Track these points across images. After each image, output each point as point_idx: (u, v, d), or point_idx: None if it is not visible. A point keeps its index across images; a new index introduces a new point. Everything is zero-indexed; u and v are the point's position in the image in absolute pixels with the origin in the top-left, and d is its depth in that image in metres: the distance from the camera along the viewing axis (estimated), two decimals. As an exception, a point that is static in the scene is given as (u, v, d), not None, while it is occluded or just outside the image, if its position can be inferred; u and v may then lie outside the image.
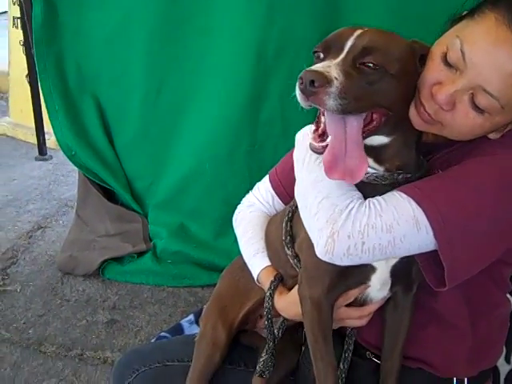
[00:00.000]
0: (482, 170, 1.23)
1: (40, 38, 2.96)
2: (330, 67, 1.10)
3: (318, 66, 1.10)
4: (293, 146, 1.71)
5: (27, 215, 3.63)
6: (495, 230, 1.25)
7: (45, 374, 2.45)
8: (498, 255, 1.31)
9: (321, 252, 1.22)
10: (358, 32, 1.17)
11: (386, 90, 1.18)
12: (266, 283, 1.56)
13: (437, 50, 1.25)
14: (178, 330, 2.49)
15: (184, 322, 2.55)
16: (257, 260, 1.61)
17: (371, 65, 1.14)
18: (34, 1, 2.92)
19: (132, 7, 2.80)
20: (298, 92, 1.12)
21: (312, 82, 1.07)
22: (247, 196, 1.82)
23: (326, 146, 1.16)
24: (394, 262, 1.32)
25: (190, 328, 2.49)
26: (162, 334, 2.45)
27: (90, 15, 2.89)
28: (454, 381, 1.49)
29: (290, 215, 1.51)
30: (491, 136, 1.29)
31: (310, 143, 1.20)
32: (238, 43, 2.65)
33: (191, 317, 2.57)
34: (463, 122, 1.23)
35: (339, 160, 1.15)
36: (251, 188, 1.81)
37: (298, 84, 1.10)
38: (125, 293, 2.94)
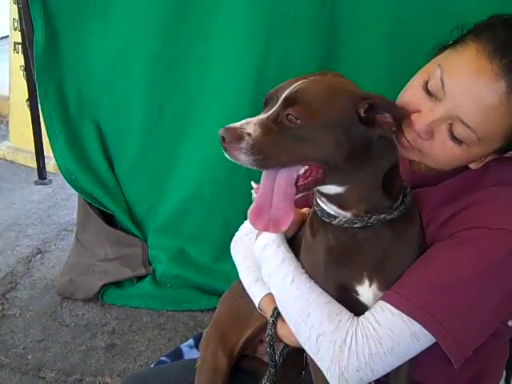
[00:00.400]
0: (467, 262, 1.21)
1: (41, 64, 3.00)
2: (249, 123, 1.11)
3: (236, 124, 1.12)
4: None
5: (26, 240, 3.63)
6: (493, 312, 1.26)
7: (44, 400, 2.44)
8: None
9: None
10: (299, 82, 1.16)
11: (314, 144, 1.13)
12: (267, 310, 1.55)
13: (419, 78, 1.27)
14: (177, 354, 2.49)
15: (184, 347, 2.54)
16: (257, 287, 1.59)
17: (292, 118, 1.11)
18: (35, 27, 2.97)
19: (133, 34, 2.84)
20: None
21: (223, 138, 1.10)
22: (245, 223, 1.82)
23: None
24: None
25: (190, 352, 2.49)
26: (162, 358, 2.45)
27: (91, 42, 2.93)
28: None
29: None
30: (472, 166, 1.30)
31: (252, 183, 1.22)
32: (238, 68, 2.68)
33: (191, 341, 2.57)
34: (441, 152, 1.25)
35: (264, 210, 1.15)
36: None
37: None
38: (124, 317, 2.93)
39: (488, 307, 1.24)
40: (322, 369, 1.27)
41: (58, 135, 3.09)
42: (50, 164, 4.33)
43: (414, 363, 1.36)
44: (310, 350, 1.29)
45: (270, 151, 1.10)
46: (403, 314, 1.20)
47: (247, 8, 2.55)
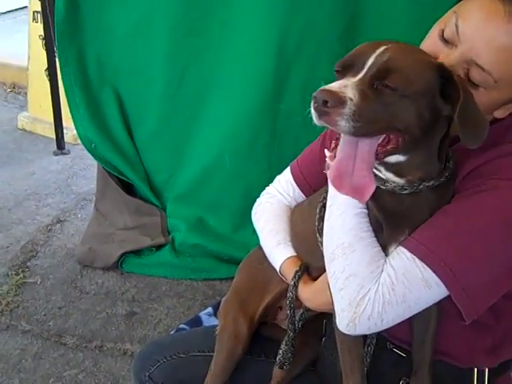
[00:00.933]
0: (485, 210, 1.20)
1: (62, 32, 2.98)
2: (347, 87, 1.05)
3: (333, 85, 1.05)
4: (313, 138, 1.71)
5: (46, 209, 3.65)
6: (507, 266, 1.24)
7: (66, 365, 2.48)
8: None
9: (343, 329, 1.27)
10: (381, 49, 1.11)
11: (403, 113, 1.12)
12: (289, 274, 1.55)
13: (436, 27, 1.27)
14: (196, 322, 2.51)
15: (202, 315, 2.56)
16: (279, 251, 1.60)
17: (389, 86, 1.09)
18: (56, -6, 2.94)
19: (153, 1, 2.82)
20: (312, 110, 1.06)
21: (325, 102, 1.02)
22: (267, 189, 1.81)
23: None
24: None
25: (209, 320, 2.50)
26: (181, 326, 2.46)
27: (111, 9, 2.91)
28: (475, 371, 1.48)
29: (324, 201, 1.45)
30: (497, 114, 1.30)
31: (326, 150, 1.17)
32: (259, 36, 2.66)
33: (209, 309, 2.58)
34: None
35: (345, 176, 1.12)
36: (271, 180, 1.81)
37: (312, 102, 1.05)
38: (143, 285, 2.96)
39: (503, 259, 1.22)
40: (336, 308, 1.27)
41: (79, 103, 3.09)
42: (69, 134, 4.34)
43: (438, 333, 1.36)
44: (335, 285, 1.27)
45: (369, 118, 1.06)
46: (416, 258, 1.20)
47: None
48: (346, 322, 1.24)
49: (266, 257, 1.65)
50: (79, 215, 3.60)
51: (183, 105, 2.98)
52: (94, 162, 3.35)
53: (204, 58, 2.83)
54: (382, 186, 1.24)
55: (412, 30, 2.40)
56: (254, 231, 1.72)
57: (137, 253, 3.10)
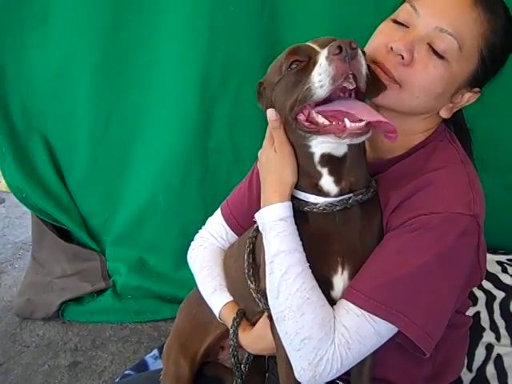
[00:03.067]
0: (422, 249, 1.24)
1: (-18, 81, 2.94)
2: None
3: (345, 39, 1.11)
4: (245, 172, 1.73)
5: (-18, 261, 3.56)
6: (452, 296, 1.30)
7: (8, 425, 2.40)
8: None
9: (304, 382, 1.29)
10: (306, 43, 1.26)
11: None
12: (228, 320, 1.56)
13: (385, 22, 1.35)
14: (142, 366, 2.48)
15: (148, 358, 2.54)
16: (216, 297, 1.61)
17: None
18: (-27, 43, 2.91)
19: (74, 44, 2.81)
20: (333, 67, 1.10)
21: (350, 43, 1.08)
22: (200, 232, 1.83)
23: (367, 123, 1.14)
24: None
25: (155, 363, 2.49)
26: (127, 372, 2.44)
27: (31, 55, 2.90)
28: None
29: (251, 247, 1.49)
30: (442, 113, 1.36)
31: (348, 129, 1.16)
32: (183, 74, 2.69)
33: (155, 352, 2.57)
34: (424, 75, 1.27)
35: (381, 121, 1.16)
36: (207, 217, 1.83)
37: (332, 59, 1.09)
38: (86, 333, 2.91)
39: (448, 291, 1.28)
40: (295, 366, 1.29)
41: (5, 153, 3.05)
42: (2, 183, 4.25)
43: (376, 360, 1.39)
44: (290, 346, 1.28)
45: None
46: (366, 314, 1.23)
47: (187, 13, 2.57)
48: (307, 378, 1.26)
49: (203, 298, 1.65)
50: (16, 265, 3.52)
51: (112, 147, 2.99)
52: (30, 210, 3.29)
53: (129, 98, 2.85)
54: (314, 209, 1.29)
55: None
56: (194, 274, 1.74)
57: (77, 300, 3.04)
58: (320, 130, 1.19)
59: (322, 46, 1.17)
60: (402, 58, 1.26)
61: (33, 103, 3.03)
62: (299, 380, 1.29)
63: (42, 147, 3.09)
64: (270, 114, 1.32)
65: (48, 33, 2.83)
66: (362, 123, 1.13)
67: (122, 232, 3.18)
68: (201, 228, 1.82)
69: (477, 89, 1.35)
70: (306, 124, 1.21)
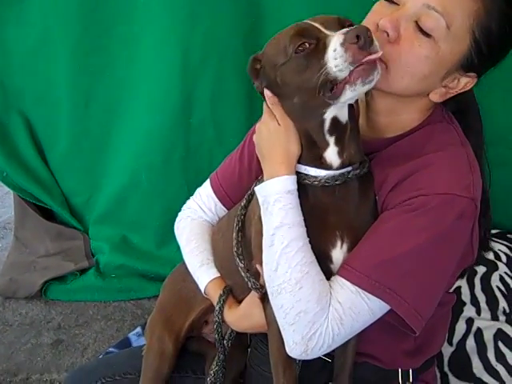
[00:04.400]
0: (419, 230, 1.24)
1: (-41, 59, 2.91)
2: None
3: (347, 29, 1.13)
4: (227, 150, 1.72)
5: (-36, 241, 3.55)
6: (445, 276, 1.32)
7: (-10, 402, 2.41)
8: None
9: (295, 357, 1.31)
10: (306, 21, 1.24)
11: None
12: (214, 296, 1.57)
13: (378, 2, 1.33)
14: (125, 344, 2.50)
15: (131, 336, 2.55)
16: (202, 272, 1.61)
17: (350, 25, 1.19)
18: None
19: (51, 20, 2.78)
20: (350, 54, 1.11)
21: (368, 31, 1.11)
22: (188, 202, 1.81)
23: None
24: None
25: (138, 341, 2.50)
26: (110, 349, 2.45)
27: (8, 31, 2.86)
28: (399, 371, 1.55)
29: (240, 225, 1.50)
30: (432, 97, 1.34)
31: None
32: (163, 50, 2.68)
33: (138, 329, 2.58)
34: (409, 54, 1.26)
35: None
36: (189, 195, 1.82)
37: (348, 47, 1.11)
38: (69, 312, 2.91)
39: (442, 272, 1.30)
40: (287, 339, 1.30)
41: (-16, 132, 3.01)
42: (-17, 162, 4.22)
43: (360, 336, 1.40)
44: (284, 320, 1.29)
45: None
46: (360, 291, 1.24)
47: (166, -12, 2.53)
48: (299, 353, 1.28)
49: (188, 273, 1.66)
50: (-1, 245, 3.51)
51: (93, 125, 2.97)
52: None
53: (108, 76, 2.83)
54: (315, 182, 1.30)
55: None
56: (179, 247, 1.73)
57: (61, 279, 3.04)
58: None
59: (327, 27, 1.18)
60: (388, 35, 1.25)
61: (11, 81, 2.99)
62: (290, 354, 1.31)
63: (22, 126, 3.07)
64: (266, 92, 1.33)
65: (25, 9, 2.79)
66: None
67: (105, 210, 3.17)
68: (184, 204, 1.82)
69: (472, 73, 1.33)
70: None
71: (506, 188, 2.17)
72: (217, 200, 1.72)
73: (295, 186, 1.32)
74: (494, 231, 2.74)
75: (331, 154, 1.30)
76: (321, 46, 1.16)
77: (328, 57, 1.14)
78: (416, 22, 1.23)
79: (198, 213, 1.75)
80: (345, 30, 1.13)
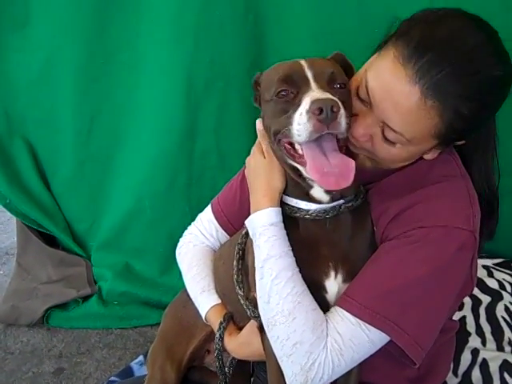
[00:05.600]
0: (419, 262, 1.26)
1: (-36, 86, 2.96)
2: (326, 93, 1.18)
3: (320, 95, 1.16)
4: (230, 176, 1.74)
5: (-33, 267, 3.55)
6: (446, 306, 1.33)
7: (-9, 433, 2.40)
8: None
9: None
10: (304, 62, 1.26)
11: (351, 106, 1.29)
12: (214, 323, 1.58)
13: (353, 82, 1.34)
14: (127, 372, 2.49)
15: (134, 364, 2.55)
16: (203, 299, 1.62)
17: (340, 85, 1.25)
18: (-47, 45, 2.92)
19: (55, 47, 2.82)
20: (311, 124, 1.15)
21: (332, 108, 1.13)
22: (189, 228, 1.83)
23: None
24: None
25: (140, 370, 2.49)
26: (112, 378, 2.45)
27: (12, 57, 2.90)
28: None
29: (240, 253, 1.52)
30: (426, 157, 1.36)
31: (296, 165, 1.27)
32: (167, 77, 2.71)
33: (141, 358, 2.58)
34: (381, 152, 1.31)
35: (325, 169, 1.20)
36: (193, 222, 1.84)
37: (311, 117, 1.14)
38: (71, 339, 2.91)
39: (443, 303, 1.31)
40: (287, 371, 1.30)
41: (-13, 158, 3.05)
42: (-15, 188, 4.24)
43: (363, 364, 1.40)
44: (281, 351, 1.30)
45: (349, 113, 1.23)
46: (361, 323, 1.25)
47: (172, 15, 2.59)
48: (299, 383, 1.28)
49: (190, 300, 1.68)
50: (1, 271, 3.53)
51: (96, 151, 3.00)
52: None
53: (113, 102, 2.86)
54: (306, 216, 1.32)
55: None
56: (181, 274, 1.75)
57: (63, 306, 3.05)
58: (297, 161, 1.26)
59: (317, 79, 1.22)
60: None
61: (15, 107, 3.03)
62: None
63: (26, 152, 3.10)
64: (258, 124, 1.39)
65: (29, 35, 2.84)
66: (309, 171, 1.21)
67: (108, 237, 3.19)
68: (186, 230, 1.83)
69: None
70: (288, 147, 1.27)
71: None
72: (218, 225, 1.74)
73: (279, 218, 1.35)
74: (498, 260, 2.75)
75: (318, 192, 1.33)
76: (297, 101, 1.20)
77: (295, 118, 1.18)
78: (382, 128, 1.27)
79: (200, 238, 1.77)
80: (318, 94, 1.16)
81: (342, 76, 1.27)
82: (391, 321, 1.24)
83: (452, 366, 2.06)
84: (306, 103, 1.16)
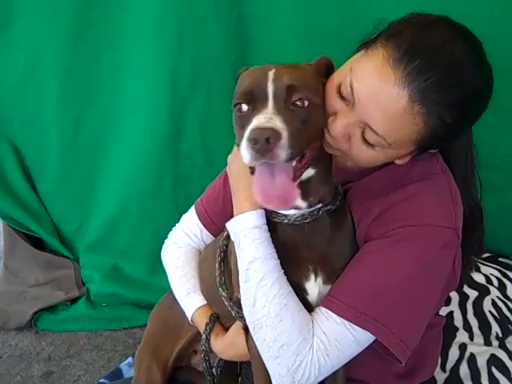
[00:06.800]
0: (404, 261, 1.27)
1: None
2: (273, 119, 1.14)
3: (262, 122, 1.13)
4: (217, 175, 1.75)
5: (-47, 270, 3.54)
6: (432, 303, 1.35)
7: None
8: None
9: None
10: (271, 75, 1.21)
11: (318, 122, 1.26)
12: (200, 324, 1.59)
13: (335, 78, 1.31)
14: (116, 374, 2.50)
15: (123, 366, 2.56)
16: (189, 300, 1.64)
17: (301, 102, 1.20)
18: None
19: (39, 48, 2.82)
20: (249, 153, 1.13)
21: (267, 139, 1.10)
22: (174, 229, 1.84)
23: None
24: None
25: (129, 371, 2.51)
26: (101, 380, 2.45)
27: (-4, 58, 2.90)
28: None
29: (222, 255, 1.54)
30: (397, 162, 1.36)
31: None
32: (151, 77, 2.71)
33: (130, 359, 2.59)
34: (358, 153, 1.31)
35: (270, 191, 1.20)
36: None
37: (248, 145, 1.12)
38: (60, 342, 2.92)
39: (428, 302, 1.33)
40: (273, 373, 1.32)
41: (-28, 160, 3.04)
42: (-29, 190, 4.23)
43: (351, 362, 1.41)
44: (268, 354, 1.31)
45: (299, 141, 1.17)
46: (346, 322, 1.27)
47: (155, 15, 2.59)
48: None
49: (175, 301, 1.69)
50: (-12, 275, 3.50)
51: (82, 151, 3.00)
52: (0, 218, 3.30)
53: (98, 102, 2.87)
54: (284, 221, 1.33)
55: (301, 60, 2.53)
56: (169, 275, 1.76)
57: (51, 309, 3.05)
58: (252, 174, 1.27)
59: (276, 94, 1.19)
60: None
61: (0, 109, 3.03)
62: None
63: (11, 154, 3.11)
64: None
65: (12, 36, 2.84)
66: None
67: (95, 239, 3.20)
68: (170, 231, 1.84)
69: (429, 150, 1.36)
70: None
71: (496, 212, 2.19)
72: (202, 226, 1.76)
73: (262, 221, 1.35)
74: (484, 255, 2.77)
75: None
76: (251, 119, 1.17)
77: (243, 141, 1.16)
78: (363, 129, 1.26)
79: (184, 239, 1.78)
80: (259, 121, 1.14)
81: (305, 91, 1.21)
82: (376, 320, 1.25)
83: (440, 360, 2.09)
84: (248, 130, 1.14)
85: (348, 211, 1.41)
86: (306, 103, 1.20)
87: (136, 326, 2.98)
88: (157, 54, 2.65)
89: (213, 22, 2.55)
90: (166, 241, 1.84)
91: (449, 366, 2.15)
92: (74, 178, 3.08)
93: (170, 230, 1.88)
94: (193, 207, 1.79)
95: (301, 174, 1.26)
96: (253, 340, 1.36)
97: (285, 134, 1.12)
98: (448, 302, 2.43)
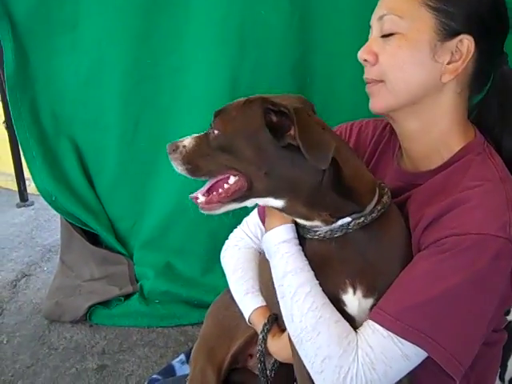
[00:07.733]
0: (452, 271, 1.22)
1: (13, 85, 3.06)
2: (188, 138, 1.31)
3: (187, 137, 1.32)
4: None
5: (11, 264, 3.68)
6: (484, 318, 1.27)
7: (35, 426, 2.47)
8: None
9: None
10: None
11: (231, 153, 1.25)
12: (258, 325, 1.58)
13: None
14: (169, 371, 2.51)
15: (175, 363, 2.57)
16: (248, 300, 1.63)
17: (213, 130, 1.28)
18: (4, 47, 3.02)
19: (103, 49, 2.91)
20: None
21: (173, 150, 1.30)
22: (235, 231, 1.84)
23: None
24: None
25: (182, 368, 2.51)
26: (154, 376, 2.47)
27: (61, 59, 3.01)
28: None
29: None
30: (444, 79, 1.33)
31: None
32: (212, 79, 2.76)
33: (182, 356, 2.59)
34: (387, 59, 1.33)
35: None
36: (235, 221, 1.86)
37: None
38: (113, 337, 2.98)
39: (480, 316, 1.26)
40: None
41: (35, 157, 3.15)
42: (32, 186, 4.36)
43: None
44: (313, 369, 1.29)
45: (198, 161, 1.28)
46: (392, 335, 1.23)
47: (217, 18, 2.64)
48: None
49: (232, 301, 1.69)
50: (45, 268, 3.63)
51: (141, 151, 3.08)
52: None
53: (158, 104, 2.93)
54: (314, 236, 1.31)
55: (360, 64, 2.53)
56: (223, 274, 1.77)
57: (105, 304, 3.13)
58: None
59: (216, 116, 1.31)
60: (367, 60, 1.35)
61: (62, 108, 3.13)
62: None
63: (72, 151, 3.20)
64: None
65: (77, 39, 2.94)
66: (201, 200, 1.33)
67: (150, 236, 3.26)
68: (230, 232, 1.85)
69: (463, 36, 1.31)
70: None
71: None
72: (263, 227, 1.74)
73: (292, 235, 1.35)
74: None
75: (302, 222, 1.33)
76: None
77: None
78: (381, 37, 1.34)
79: (245, 241, 1.78)
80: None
81: (221, 120, 1.29)
82: (424, 334, 1.20)
83: (499, 370, 2.04)
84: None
85: (398, 220, 1.37)
86: (216, 132, 1.26)
87: (188, 324, 3.03)
88: (218, 56, 2.70)
89: (275, 24, 2.59)
90: (226, 242, 1.84)
91: (507, 376, 2.11)
92: (131, 176, 3.15)
93: (224, 229, 1.89)
94: (255, 210, 1.80)
95: (230, 199, 1.29)
96: (298, 354, 1.35)
97: (182, 150, 1.29)
98: (507, 312, 2.38)
